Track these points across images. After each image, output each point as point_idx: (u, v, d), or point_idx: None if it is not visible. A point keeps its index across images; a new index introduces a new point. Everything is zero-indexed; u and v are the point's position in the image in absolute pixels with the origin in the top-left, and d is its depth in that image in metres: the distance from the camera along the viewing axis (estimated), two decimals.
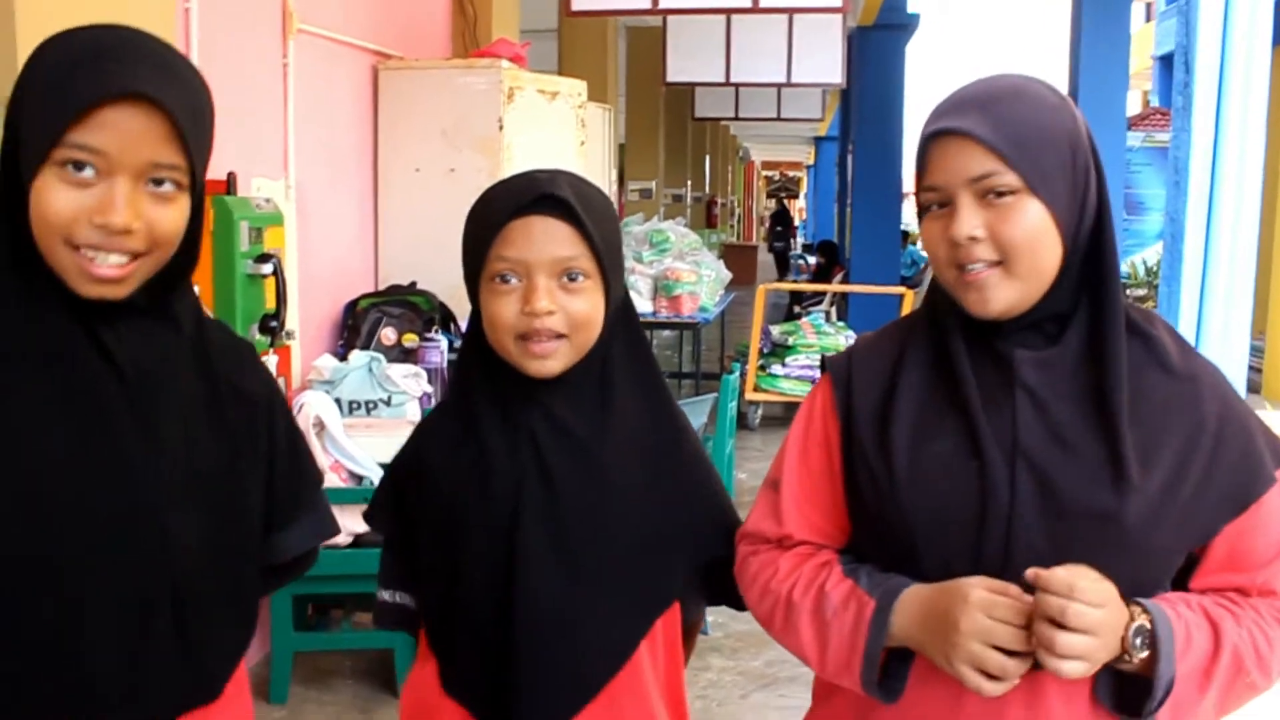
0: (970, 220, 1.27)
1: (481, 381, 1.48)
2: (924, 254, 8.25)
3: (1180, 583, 1.35)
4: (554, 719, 1.43)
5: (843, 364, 1.44)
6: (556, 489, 1.42)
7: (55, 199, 1.15)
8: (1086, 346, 1.31)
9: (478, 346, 1.47)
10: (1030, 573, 1.20)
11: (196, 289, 3.21)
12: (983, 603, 1.22)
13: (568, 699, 1.42)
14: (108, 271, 1.17)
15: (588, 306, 1.42)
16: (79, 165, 1.15)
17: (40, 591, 1.18)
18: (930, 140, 1.31)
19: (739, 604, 1.51)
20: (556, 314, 1.40)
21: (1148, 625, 1.22)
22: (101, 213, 1.15)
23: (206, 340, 1.33)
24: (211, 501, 1.29)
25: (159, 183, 1.19)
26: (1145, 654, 1.22)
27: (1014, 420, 1.29)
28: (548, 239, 1.40)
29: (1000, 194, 1.27)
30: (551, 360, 1.41)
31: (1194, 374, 1.33)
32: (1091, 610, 1.17)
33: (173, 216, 1.21)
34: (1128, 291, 10.41)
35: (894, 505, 1.33)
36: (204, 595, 1.27)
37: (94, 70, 1.15)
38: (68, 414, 1.19)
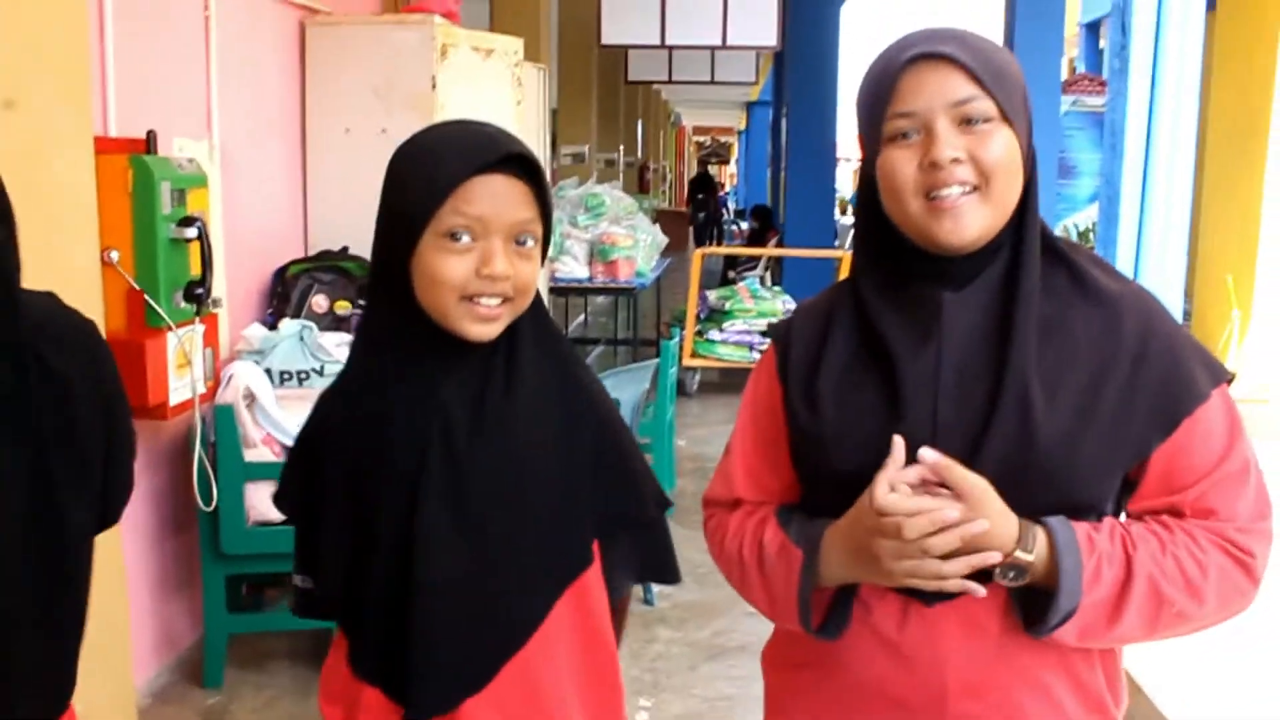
0: (953, 142, 1.29)
1: (389, 346, 1.41)
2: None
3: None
4: (453, 694, 1.38)
5: (782, 329, 1.50)
6: (460, 458, 1.37)
7: None
8: (1004, 281, 1.34)
9: (391, 307, 1.39)
10: (925, 460, 1.25)
11: (115, 254, 3.02)
12: (885, 528, 1.25)
13: (470, 673, 1.38)
14: None
15: (533, 271, 1.39)
16: None
17: None
18: (905, 66, 1.30)
19: (670, 577, 1.55)
20: (509, 278, 1.35)
21: (1025, 559, 1.26)
22: None
23: (16, 332, 1.13)
24: (9, 516, 1.11)
25: None
26: (1019, 582, 1.28)
27: (938, 362, 1.33)
28: (510, 200, 1.35)
29: (977, 120, 1.29)
30: (495, 324, 1.37)
31: (1116, 298, 1.35)
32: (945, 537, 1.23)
33: None
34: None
35: (823, 456, 1.38)
36: (19, 613, 1.11)
37: None
38: None
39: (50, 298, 1.22)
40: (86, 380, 1.20)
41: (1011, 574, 1.28)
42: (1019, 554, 1.26)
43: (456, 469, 1.37)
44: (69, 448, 1.16)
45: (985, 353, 1.32)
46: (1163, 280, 6.39)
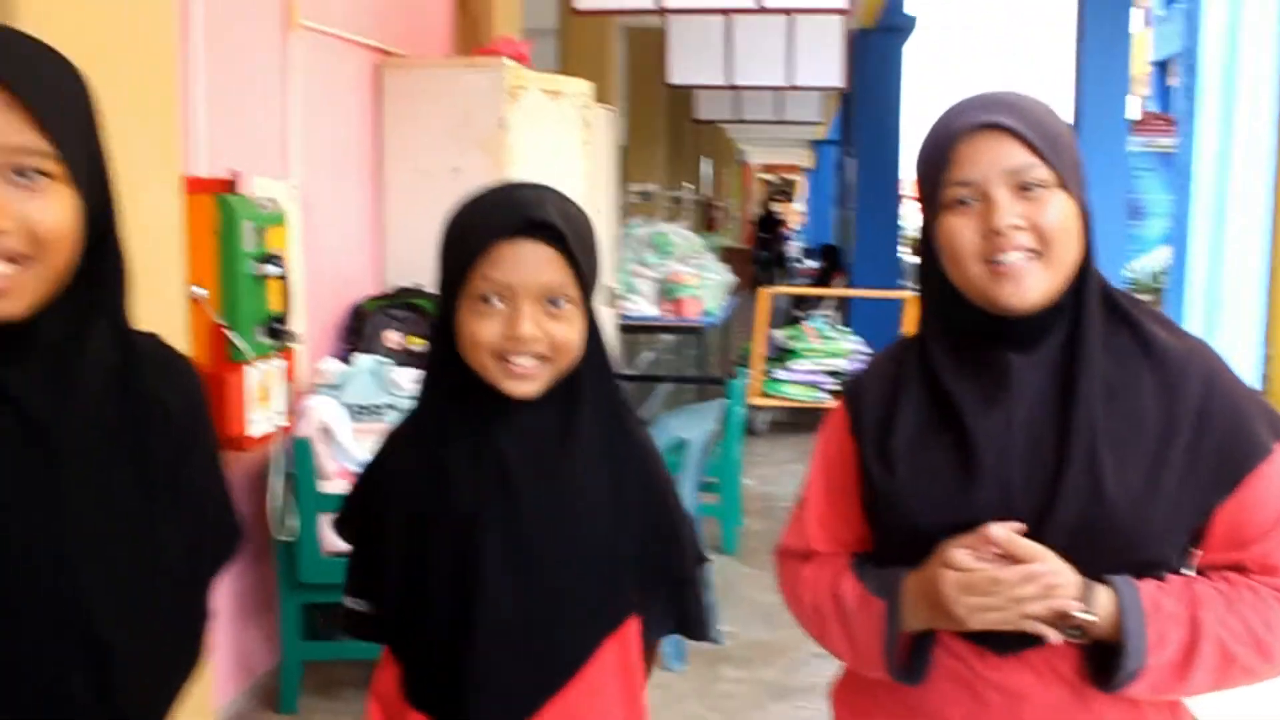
0: (1012, 209, 1.32)
1: (449, 392, 1.47)
2: None
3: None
4: None
5: (853, 386, 1.55)
6: (517, 502, 1.42)
7: None
8: (1067, 343, 1.37)
9: (446, 356, 1.46)
10: (990, 534, 1.31)
11: (204, 292, 3.12)
12: (960, 584, 1.31)
13: (517, 708, 1.44)
14: None
15: (570, 331, 1.43)
16: None
17: None
18: (962, 134, 1.34)
19: (703, 635, 1.59)
20: (541, 339, 1.40)
21: (1086, 619, 1.30)
22: None
23: (133, 373, 1.19)
24: (128, 548, 1.16)
25: (20, 173, 1.04)
26: (1082, 640, 1.32)
27: (1008, 425, 1.35)
28: (535, 265, 1.40)
29: (1034, 187, 1.32)
30: (531, 382, 1.42)
31: (1179, 356, 1.37)
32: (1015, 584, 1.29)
33: (48, 210, 1.06)
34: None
35: (898, 513, 1.42)
36: (126, 650, 1.15)
37: None
38: None
39: (153, 337, 1.28)
40: (187, 415, 1.25)
41: (1075, 632, 1.32)
42: (1078, 614, 1.30)
43: (513, 515, 1.43)
44: (172, 480, 1.21)
45: (1052, 415, 1.35)
46: (1237, 327, 6.28)
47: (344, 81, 4.52)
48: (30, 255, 1.06)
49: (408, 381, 3.96)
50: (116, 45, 2.43)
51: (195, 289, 3.17)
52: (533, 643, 1.44)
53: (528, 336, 1.38)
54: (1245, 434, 1.34)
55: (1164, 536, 1.35)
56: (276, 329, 3.43)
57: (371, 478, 1.58)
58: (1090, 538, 1.32)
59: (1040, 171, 1.32)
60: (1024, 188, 1.32)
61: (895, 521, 1.44)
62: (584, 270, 1.42)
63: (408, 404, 3.85)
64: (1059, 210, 1.33)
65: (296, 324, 3.69)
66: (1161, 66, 16.98)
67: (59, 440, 1.11)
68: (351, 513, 1.61)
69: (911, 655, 1.42)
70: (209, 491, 1.30)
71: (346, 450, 3.59)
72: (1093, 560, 1.32)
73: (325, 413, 3.60)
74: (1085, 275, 1.37)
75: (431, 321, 1.49)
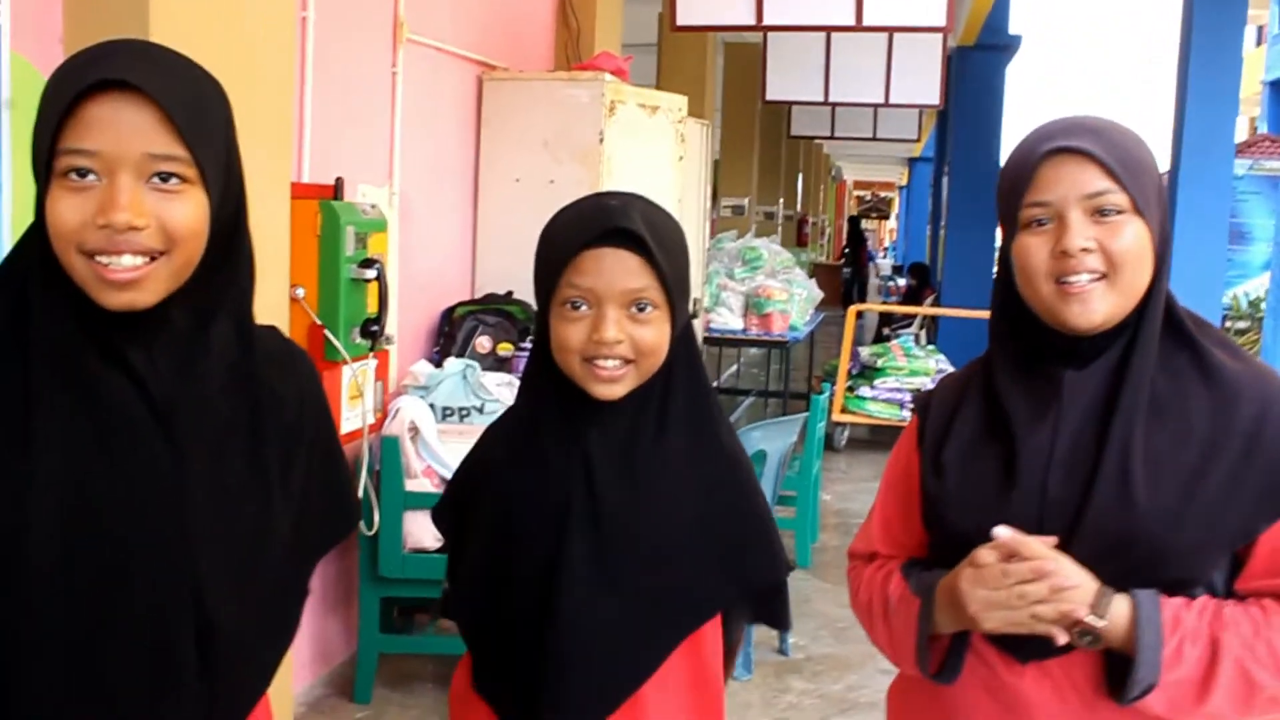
0: (1084, 232, 1.36)
1: (546, 393, 1.53)
2: None
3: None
4: None
5: (924, 399, 1.61)
6: (603, 504, 1.47)
7: (60, 208, 1.14)
8: (1121, 361, 1.40)
9: (544, 360, 1.52)
10: (999, 537, 1.35)
11: (301, 291, 3.27)
12: (974, 578, 1.37)
13: (594, 705, 1.47)
14: (123, 275, 1.14)
15: (655, 335, 1.46)
16: (81, 172, 1.13)
17: (68, 632, 1.16)
18: (1044, 157, 1.38)
19: (782, 624, 1.61)
20: (624, 342, 1.44)
21: (1096, 624, 1.32)
22: (104, 213, 1.13)
23: (253, 365, 1.29)
24: (240, 532, 1.25)
25: (161, 178, 1.15)
26: (1094, 646, 1.34)
27: (1054, 437, 1.40)
28: (618, 271, 1.44)
29: (1109, 212, 1.37)
30: (617, 384, 1.46)
31: (1234, 378, 1.39)
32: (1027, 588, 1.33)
33: (184, 211, 1.16)
34: (1228, 324, 10.14)
35: (944, 519, 1.49)
36: (232, 627, 1.24)
37: (76, 74, 1.14)
38: (96, 442, 1.17)
39: (273, 330, 1.40)
40: (302, 405, 1.36)
41: (1087, 638, 1.34)
42: (1090, 618, 1.33)
43: (598, 513, 1.47)
44: (286, 466, 1.32)
45: (1095, 429, 1.39)
46: None
47: (446, 93, 4.66)
48: (163, 250, 1.16)
49: (495, 385, 4.07)
50: (240, 59, 2.57)
51: (296, 290, 3.31)
52: (613, 642, 1.46)
53: (611, 339, 1.43)
54: None
55: (1197, 556, 1.36)
56: (371, 330, 3.56)
57: (467, 470, 1.64)
58: (1119, 550, 1.35)
59: (1117, 197, 1.36)
60: (1099, 212, 1.36)
61: (942, 527, 1.50)
62: (668, 275, 1.46)
63: (494, 406, 3.99)
64: (1131, 236, 1.36)
65: (390, 326, 3.82)
66: (1276, 86, 16.53)
67: (180, 421, 1.20)
68: (449, 504, 1.67)
69: (946, 656, 1.47)
70: (324, 478, 1.40)
71: (432, 450, 3.71)
72: (1123, 573, 1.34)
73: (414, 413, 3.72)
74: (1151, 297, 1.40)
75: (532, 326, 1.57)
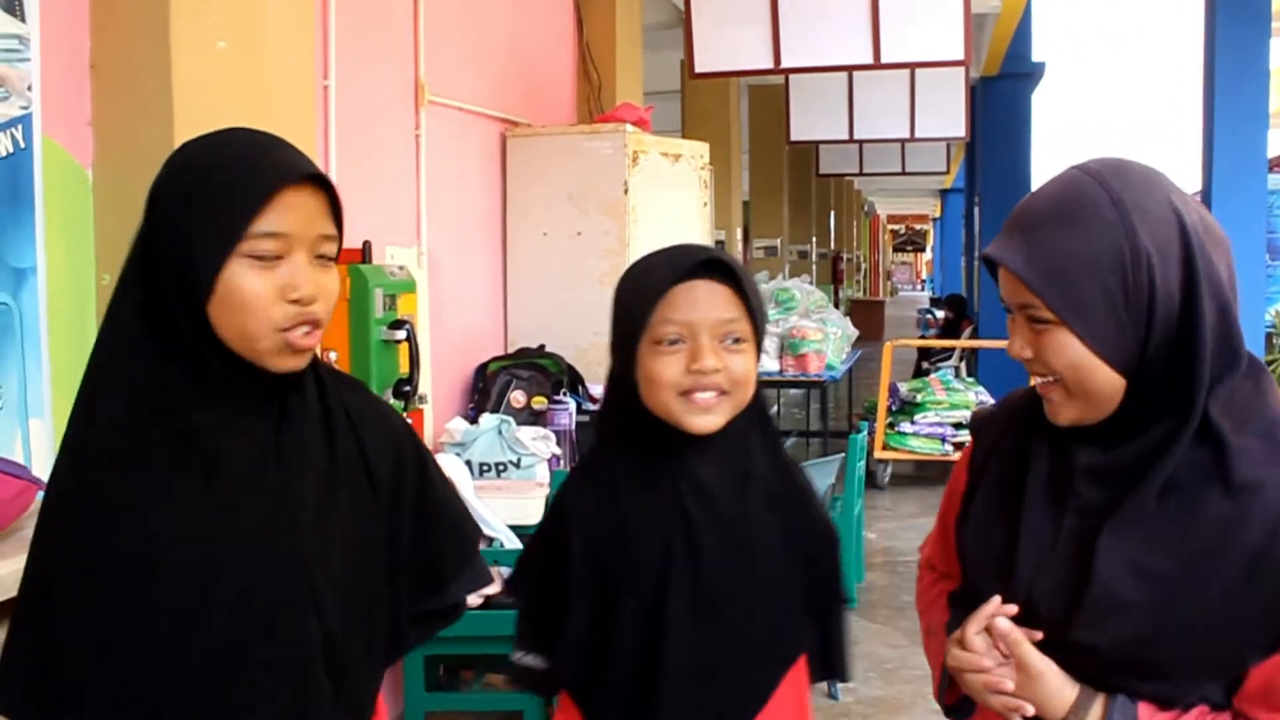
0: (1018, 341, 1.35)
1: (624, 444, 1.55)
2: None
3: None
4: None
5: (977, 422, 1.62)
6: (701, 548, 1.48)
7: (251, 285, 1.26)
8: (1140, 461, 1.31)
9: (620, 409, 1.53)
10: (997, 629, 1.37)
11: (334, 355, 3.30)
12: (956, 658, 1.40)
13: None
14: (306, 342, 1.29)
15: (747, 366, 1.49)
16: (265, 251, 1.26)
17: (208, 660, 1.25)
18: (993, 266, 1.37)
19: (841, 674, 1.63)
20: (721, 371, 1.47)
21: None
22: (294, 289, 1.27)
23: (342, 403, 1.42)
24: (347, 560, 1.35)
25: (320, 255, 1.31)
26: None
27: (1056, 533, 1.36)
28: (712, 302, 1.47)
29: (1040, 321, 1.31)
30: (714, 414, 1.48)
31: (1253, 488, 1.26)
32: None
33: (335, 283, 1.34)
34: (1274, 340, 9.98)
35: (964, 563, 1.51)
36: (349, 653, 1.34)
37: (270, 163, 1.30)
38: (223, 483, 1.27)
39: (356, 384, 1.53)
40: (397, 453, 1.48)
41: None
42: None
43: (696, 563, 1.48)
44: (392, 501, 1.46)
45: (1097, 527, 1.32)
46: None
47: (470, 151, 4.72)
48: (325, 320, 1.32)
49: (530, 440, 4.09)
50: (262, 126, 2.61)
51: (329, 354, 3.35)
52: (718, 687, 1.48)
53: (710, 368, 1.45)
54: None
55: (1179, 674, 1.29)
56: (404, 391, 3.59)
57: (552, 530, 1.60)
58: (1099, 660, 1.31)
59: (1039, 310, 1.30)
60: (1033, 321, 1.34)
61: (962, 567, 1.52)
62: (755, 308, 1.49)
63: (530, 461, 4.00)
64: (1060, 348, 1.30)
65: (424, 385, 3.85)
66: None
67: (298, 466, 1.33)
68: (532, 568, 1.63)
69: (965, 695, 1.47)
70: (432, 509, 1.51)
71: (471, 507, 3.72)
72: (1103, 680, 1.32)
73: (451, 470, 3.74)
74: (1193, 390, 1.27)
75: (608, 380, 1.60)
